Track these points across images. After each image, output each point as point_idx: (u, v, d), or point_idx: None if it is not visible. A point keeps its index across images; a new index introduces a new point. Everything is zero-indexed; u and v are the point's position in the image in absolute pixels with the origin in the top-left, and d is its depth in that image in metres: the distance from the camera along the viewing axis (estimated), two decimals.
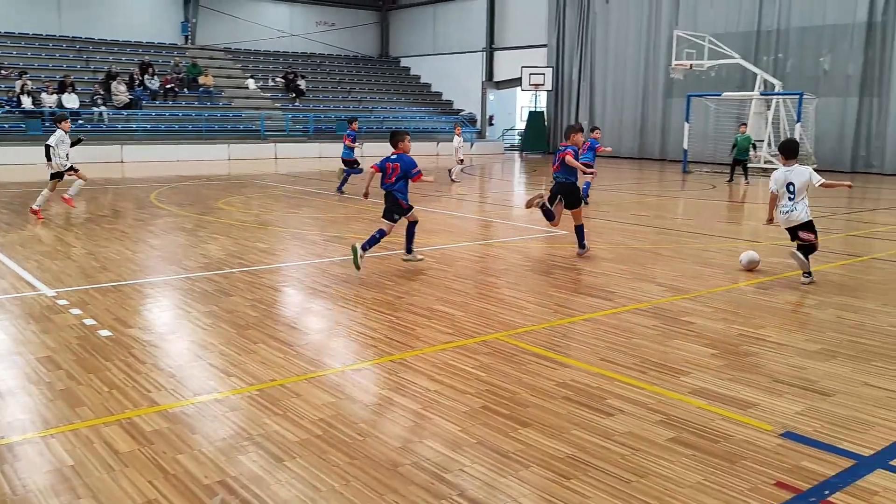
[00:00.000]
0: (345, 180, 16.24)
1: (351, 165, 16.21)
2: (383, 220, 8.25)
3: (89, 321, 6.12)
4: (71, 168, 12.20)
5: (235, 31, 35.92)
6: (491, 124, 37.67)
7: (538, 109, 33.17)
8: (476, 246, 10.18)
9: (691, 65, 24.15)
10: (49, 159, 11.88)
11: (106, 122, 26.28)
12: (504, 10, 35.68)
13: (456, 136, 19.45)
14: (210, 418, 4.24)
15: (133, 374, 4.93)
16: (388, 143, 8.35)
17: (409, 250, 8.49)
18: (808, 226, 7.78)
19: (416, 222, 8.45)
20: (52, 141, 11.91)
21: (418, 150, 31.18)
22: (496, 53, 36.40)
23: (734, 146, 19.63)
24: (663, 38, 28.25)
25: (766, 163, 22.03)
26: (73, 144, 12.30)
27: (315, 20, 38.88)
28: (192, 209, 13.31)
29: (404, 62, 41.27)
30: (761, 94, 22.81)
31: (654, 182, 20.62)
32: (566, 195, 9.12)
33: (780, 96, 22.54)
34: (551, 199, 9.11)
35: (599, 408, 4.48)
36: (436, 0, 38.72)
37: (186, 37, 34.36)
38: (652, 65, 29.35)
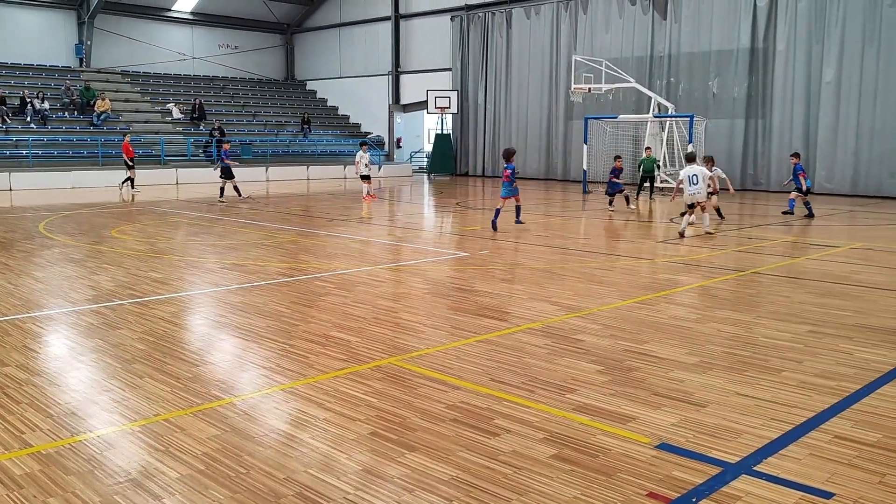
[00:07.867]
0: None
1: None
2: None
3: None
4: None
5: (133, 53, 34.90)
6: (398, 147, 37.89)
7: (445, 132, 33.59)
8: (377, 270, 10.20)
9: (590, 88, 24.96)
10: None
11: None
12: (409, 34, 36.06)
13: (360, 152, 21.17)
14: (86, 458, 4.10)
15: (5, 415, 4.71)
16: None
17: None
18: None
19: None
20: None
21: (326, 173, 31.29)
22: (402, 77, 36.70)
23: (640, 167, 20.72)
24: (563, 62, 29.17)
25: (661, 182, 22.96)
26: None
27: (217, 43, 38.26)
28: (84, 239, 12.81)
29: (310, 85, 41.06)
30: (655, 117, 23.81)
31: (556, 202, 21.16)
32: None
33: (672, 118, 23.59)
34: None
35: (486, 428, 4.56)
36: (341, 24, 38.80)
37: (81, 59, 33.17)
38: (553, 89, 30.20)
